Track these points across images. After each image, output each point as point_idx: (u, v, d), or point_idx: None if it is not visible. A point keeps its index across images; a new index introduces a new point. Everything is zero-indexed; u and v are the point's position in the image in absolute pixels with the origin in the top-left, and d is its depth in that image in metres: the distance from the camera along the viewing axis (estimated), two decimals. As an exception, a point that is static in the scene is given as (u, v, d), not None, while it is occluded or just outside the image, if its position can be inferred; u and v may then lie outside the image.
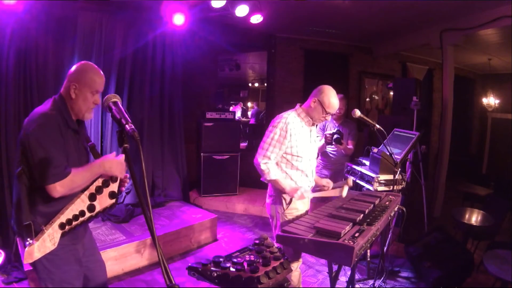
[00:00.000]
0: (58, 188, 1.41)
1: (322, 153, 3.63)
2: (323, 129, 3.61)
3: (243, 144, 7.37)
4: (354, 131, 3.59)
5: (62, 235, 1.46)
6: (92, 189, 1.56)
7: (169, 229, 3.47)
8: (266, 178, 2.19)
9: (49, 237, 1.40)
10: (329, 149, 3.57)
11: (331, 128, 3.56)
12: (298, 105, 2.36)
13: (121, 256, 3.02)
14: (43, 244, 1.37)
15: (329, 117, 2.35)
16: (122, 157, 1.62)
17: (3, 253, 2.84)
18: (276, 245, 1.81)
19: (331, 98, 2.21)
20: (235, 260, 1.52)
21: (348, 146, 3.49)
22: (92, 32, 3.67)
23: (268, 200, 2.36)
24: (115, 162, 1.58)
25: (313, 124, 2.33)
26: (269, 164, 2.17)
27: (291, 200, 2.24)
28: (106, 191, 1.61)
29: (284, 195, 2.24)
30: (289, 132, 2.18)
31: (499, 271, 2.25)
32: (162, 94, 4.42)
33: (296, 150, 2.21)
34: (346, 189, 2.24)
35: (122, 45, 3.93)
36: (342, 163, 3.56)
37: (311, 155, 2.35)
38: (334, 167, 3.64)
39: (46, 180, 1.40)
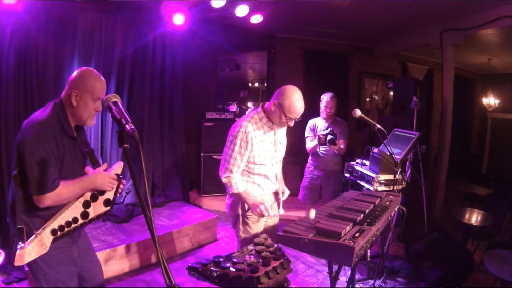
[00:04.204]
0: (43, 200, 1.42)
1: (313, 153, 3.58)
2: (314, 129, 3.53)
3: (243, 144, 7.36)
4: (346, 130, 3.51)
5: (54, 240, 1.47)
6: (87, 196, 1.57)
7: (169, 229, 3.46)
8: (229, 192, 2.11)
9: (40, 242, 1.41)
10: (321, 149, 3.48)
11: (322, 127, 3.47)
12: (260, 105, 2.11)
13: (121, 256, 3.01)
14: (34, 249, 1.39)
15: (291, 123, 2.05)
16: (113, 170, 1.65)
17: (3, 253, 2.84)
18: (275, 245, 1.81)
19: (294, 101, 1.94)
20: (235, 260, 1.52)
21: (341, 146, 3.41)
22: (92, 32, 3.66)
23: (228, 201, 2.24)
24: (107, 178, 1.59)
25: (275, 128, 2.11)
26: (231, 177, 2.05)
27: None
28: (101, 198, 1.63)
29: None
30: (250, 142, 2.00)
31: (499, 271, 2.25)
32: (162, 94, 4.41)
33: (258, 159, 2.07)
34: (313, 212, 1.91)
35: (122, 45, 3.93)
36: (334, 162, 3.52)
37: (275, 159, 2.19)
38: (325, 167, 3.53)
39: (33, 190, 1.42)
